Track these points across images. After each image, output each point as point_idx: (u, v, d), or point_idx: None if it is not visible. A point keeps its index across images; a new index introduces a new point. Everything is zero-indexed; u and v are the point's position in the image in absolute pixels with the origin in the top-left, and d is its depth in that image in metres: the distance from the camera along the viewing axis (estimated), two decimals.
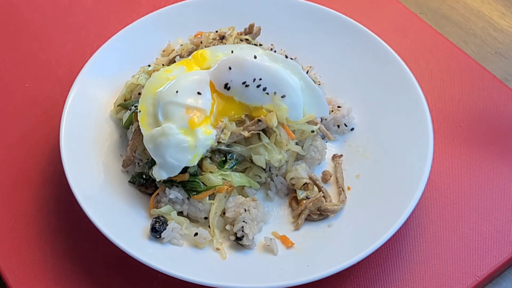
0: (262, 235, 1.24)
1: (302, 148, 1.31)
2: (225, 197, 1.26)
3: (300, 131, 1.31)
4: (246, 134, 1.26)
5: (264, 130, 1.28)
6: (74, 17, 1.69)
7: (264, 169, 1.30)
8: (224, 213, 1.27)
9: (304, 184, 1.28)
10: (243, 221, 1.22)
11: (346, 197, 1.28)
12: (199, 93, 1.26)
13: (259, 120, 1.26)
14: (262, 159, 1.27)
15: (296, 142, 1.30)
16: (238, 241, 1.22)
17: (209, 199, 1.26)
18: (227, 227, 1.25)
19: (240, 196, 1.28)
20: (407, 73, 1.37)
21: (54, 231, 1.31)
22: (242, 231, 1.21)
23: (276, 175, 1.31)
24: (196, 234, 1.23)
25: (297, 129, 1.30)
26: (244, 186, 1.29)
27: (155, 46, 1.49)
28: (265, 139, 1.27)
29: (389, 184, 1.26)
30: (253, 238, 1.22)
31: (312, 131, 1.31)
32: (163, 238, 1.22)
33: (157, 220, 1.23)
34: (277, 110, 1.27)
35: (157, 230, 1.22)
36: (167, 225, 1.23)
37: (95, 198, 1.25)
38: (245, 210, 1.24)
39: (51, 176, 1.38)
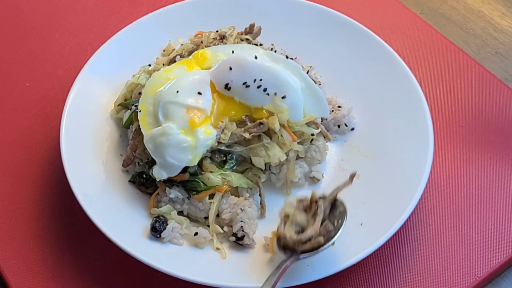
0: (262, 234, 1.24)
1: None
2: (223, 196, 1.26)
3: (300, 133, 1.31)
4: (247, 136, 1.26)
5: (265, 132, 1.28)
6: (74, 16, 1.69)
7: (264, 169, 1.30)
8: (218, 215, 1.26)
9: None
10: (241, 221, 1.22)
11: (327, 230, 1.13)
12: (199, 93, 1.26)
13: (261, 123, 1.26)
14: (261, 161, 1.27)
15: (297, 142, 1.30)
16: (239, 241, 1.22)
17: (209, 199, 1.26)
18: (225, 228, 1.25)
19: (233, 196, 1.27)
20: (408, 73, 1.37)
21: (54, 231, 1.31)
22: (242, 231, 1.22)
23: (277, 178, 1.31)
24: (196, 233, 1.23)
25: (297, 130, 1.30)
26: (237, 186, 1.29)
27: (155, 46, 1.49)
28: (265, 140, 1.27)
29: (389, 184, 1.26)
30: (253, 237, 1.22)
31: (312, 135, 1.31)
32: (163, 237, 1.22)
33: (157, 219, 1.23)
34: (278, 112, 1.26)
35: (157, 230, 1.22)
36: (167, 224, 1.23)
37: (95, 197, 1.25)
38: (241, 210, 1.23)
39: (51, 176, 1.38)
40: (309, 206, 1.13)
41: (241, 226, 1.22)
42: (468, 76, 1.50)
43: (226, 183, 1.26)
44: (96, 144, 1.34)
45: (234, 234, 1.22)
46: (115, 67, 1.44)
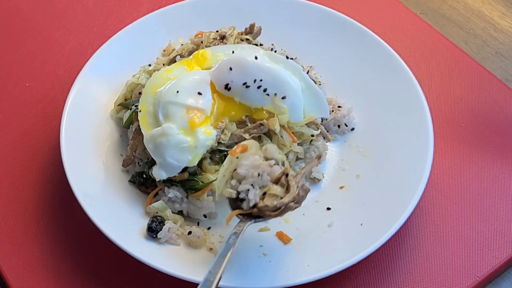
0: (259, 237, 1.24)
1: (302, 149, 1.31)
2: (237, 157, 1.13)
3: (300, 133, 1.31)
4: (247, 137, 1.26)
5: (265, 133, 1.27)
6: (74, 16, 1.69)
7: None
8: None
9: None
10: (251, 185, 1.11)
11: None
12: (199, 93, 1.26)
13: (261, 124, 1.26)
14: None
15: (297, 143, 1.30)
16: (238, 202, 1.12)
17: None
18: (233, 182, 1.13)
19: (259, 157, 1.14)
20: (408, 73, 1.37)
21: (54, 231, 1.31)
22: (246, 195, 1.11)
23: None
24: (190, 232, 1.22)
25: (297, 131, 1.30)
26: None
27: (155, 46, 1.49)
28: (265, 141, 1.27)
29: (389, 184, 1.27)
30: (252, 206, 1.11)
31: (312, 135, 1.31)
32: (160, 238, 1.22)
33: (154, 219, 1.23)
34: (278, 113, 1.26)
35: (153, 230, 1.21)
36: (164, 225, 1.22)
37: (95, 197, 1.25)
38: (258, 175, 1.12)
39: (51, 175, 1.38)
40: (279, 179, 1.13)
41: (248, 190, 1.11)
42: (468, 76, 1.50)
43: (239, 144, 1.15)
44: (96, 144, 1.34)
45: (237, 192, 1.11)
46: (115, 67, 1.44)
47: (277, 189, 1.11)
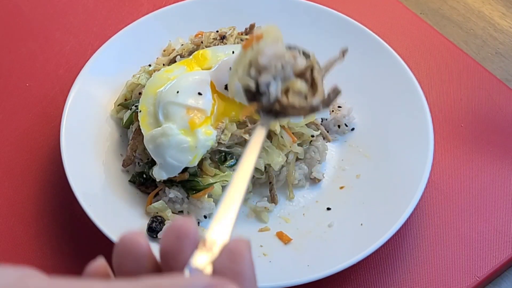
0: (258, 241, 1.24)
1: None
2: (252, 49, 1.01)
3: (299, 134, 1.31)
4: (247, 137, 1.26)
5: None
6: (74, 16, 1.69)
7: (264, 170, 1.30)
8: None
9: None
10: (273, 77, 0.97)
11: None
12: (199, 93, 1.26)
13: None
14: (261, 162, 1.27)
15: (297, 144, 1.30)
16: (256, 95, 0.97)
17: None
18: (252, 71, 0.98)
19: (282, 45, 1.03)
20: (408, 73, 1.37)
21: (54, 231, 1.31)
22: (267, 88, 0.96)
23: (277, 180, 1.30)
24: None
25: (297, 131, 1.30)
26: None
27: (155, 46, 1.49)
28: (266, 142, 1.27)
29: (389, 184, 1.27)
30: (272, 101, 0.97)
31: (312, 136, 1.31)
32: (159, 238, 1.22)
33: (154, 219, 1.23)
34: None
35: (153, 230, 1.22)
36: (164, 224, 1.23)
37: (95, 197, 1.25)
38: (282, 67, 0.99)
39: (51, 175, 1.38)
40: (303, 73, 1.00)
41: (269, 82, 0.96)
42: (468, 76, 1.50)
43: (251, 35, 1.02)
44: (96, 144, 1.34)
45: (256, 81, 0.97)
46: (115, 67, 1.44)
47: (301, 85, 0.97)
